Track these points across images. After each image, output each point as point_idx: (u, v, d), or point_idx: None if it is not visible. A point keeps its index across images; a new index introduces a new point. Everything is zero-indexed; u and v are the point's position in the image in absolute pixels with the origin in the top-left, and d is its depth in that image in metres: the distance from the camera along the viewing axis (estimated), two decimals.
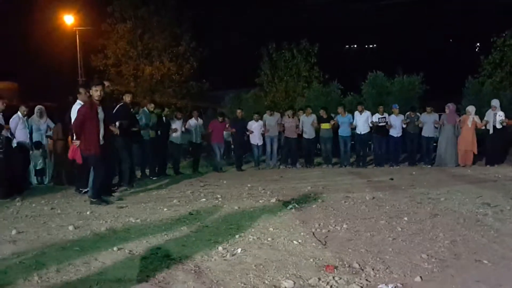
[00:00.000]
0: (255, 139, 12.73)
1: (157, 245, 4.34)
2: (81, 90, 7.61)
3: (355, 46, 47.77)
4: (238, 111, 13.21)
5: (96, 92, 6.66)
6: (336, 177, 10.18)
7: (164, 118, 11.09)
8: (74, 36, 24.66)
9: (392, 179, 9.32)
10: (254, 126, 12.74)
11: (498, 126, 11.50)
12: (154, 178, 10.32)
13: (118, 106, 8.71)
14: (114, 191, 7.94)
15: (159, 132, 10.83)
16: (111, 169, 7.90)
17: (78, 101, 7.62)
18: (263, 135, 12.79)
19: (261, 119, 12.95)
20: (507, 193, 6.96)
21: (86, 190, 7.39)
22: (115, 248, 4.20)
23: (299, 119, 12.95)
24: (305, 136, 12.77)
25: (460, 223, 5.03)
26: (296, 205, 6.21)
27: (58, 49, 24.70)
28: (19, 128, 9.14)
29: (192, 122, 12.16)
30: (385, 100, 17.57)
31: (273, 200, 6.90)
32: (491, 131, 11.64)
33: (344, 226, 5.00)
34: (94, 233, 4.89)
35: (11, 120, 8.93)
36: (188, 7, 24.15)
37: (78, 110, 6.83)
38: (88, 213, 6.09)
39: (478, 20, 29.57)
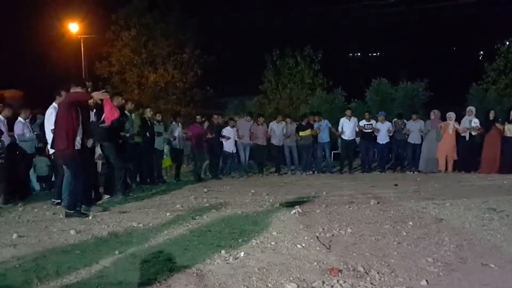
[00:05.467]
0: (230, 146, 12.31)
1: (159, 249, 4.29)
2: (63, 93, 6.95)
3: (359, 54, 47.81)
4: (215, 116, 12.55)
5: None
6: (340, 183, 10.12)
7: (148, 121, 10.41)
8: (78, 44, 24.72)
9: (396, 185, 9.27)
10: (229, 132, 12.27)
11: (473, 133, 11.54)
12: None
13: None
14: (97, 200, 7.31)
15: (147, 134, 10.14)
16: (91, 177, 7.03)
17: (54, 104, 7.16)
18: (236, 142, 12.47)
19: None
20: None
21: (58, 201, 7.06)
22: (116, 252, 4.16)
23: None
24: (274, 143, 12.78)
25: (466, 228, 4.97)
26: (300, 210, 6.15)
27: (63, 57, 24.77)
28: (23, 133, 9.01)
29: (175, 127, 11.54)
30: (389, 106, 17.55)
31: (277, 205, 6.86)
32: (467, 138, 11.64)
33: (348, 230, 4.94)
34: (95, 237, 4.85)
35: (15, 125, 8.83)
36: (192, 14, 24.29)
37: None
38: (90, 218, 6.05)
39: (483, 27, 29.55)
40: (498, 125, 11.11)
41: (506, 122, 11.04)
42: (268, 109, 22.04)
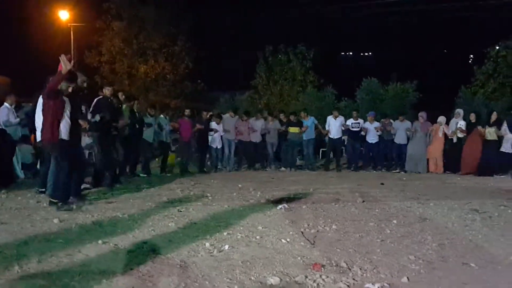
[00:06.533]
0: (215, 142, 12.40)
1: (143, 239, 4.29)
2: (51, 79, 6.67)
3: (351, 53, 47.89)
4: (204, 112, 12.60)
5: (68, 88, 6.19)
6: (327, 180, 10.17)
7: (137, 113, 10.41)
8: (68, 32, 24.45)
9: (382, 184, 9.32)
10: (216, 127, 12.40)
11: (459, 135, 11.70)
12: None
13: (96, 99, 8.11)
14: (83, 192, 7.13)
15: (137, 126, 10.13)
16: (80, 169, 6.87)
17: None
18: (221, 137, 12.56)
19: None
20: (496, 200, 6.98)
21: (42, 189, 7.01)
22: (100, 242, 4.15)
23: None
24: (252, 139, 12.88)
25: (449, 228, 5.02)
26: (286, 206, 6.18)
27: (52, 45, 24.41)
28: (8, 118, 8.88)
29: (163, 120, 11.62)
30: (379, 106, 17.65)
31: (263, 200, 6.89)
32: (454, 140, 11.82)
33: (333, 227, 4.97)
34: (79, 226, 4.82)
35: (0, 110, 8.69)
36: (185, 7, 24.11)
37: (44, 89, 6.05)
38: (74, 207, 6.00)
39: (473, 31, 29.77)
40: (480, 128, 11.24)
41: (486, 126, 11.18)
42: (259, 105, 22.04)
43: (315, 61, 22.90)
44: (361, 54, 46.64)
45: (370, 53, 45.74)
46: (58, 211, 5.71)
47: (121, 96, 9.80)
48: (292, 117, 13.03)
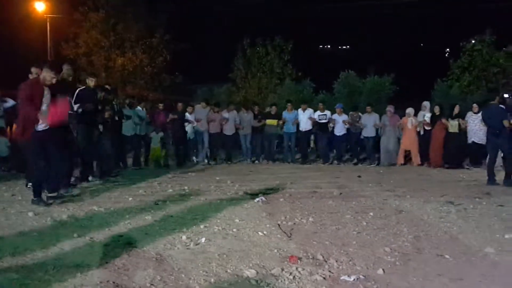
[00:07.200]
0: (188, 133, 12.38)
1: (119, 233, 4.26)
2: (33, 69, 6.58)
3: (329, 46, 48.16)
4: (179, 104, 12.35)
5: (48, 77, 5.75)
6: (305, 173, 10.20)
7: (116, 105, 10.06)
8: (45, 24, 23.93)
9: (360, 176, 9.40)
10: (190, 118, 12.37)
11: (426, 127, 11.79)
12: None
13: (78, 90, 7.76)
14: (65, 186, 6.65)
15: (116, 118, 9.79)
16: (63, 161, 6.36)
17: None
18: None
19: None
20: (470, 193, 7.11)
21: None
22: (75, 235, 4.10)
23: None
24: (225, 132, 12.84)
25: (424, 220, 5.10)
26: (264, 198, 6.20)
27: (27, 36, 23.94)
28: None
29: (140, 111, 11.44)
30: (357, 99, 17.77)
31: (241, 193, 6.89)
32: (421, 132, 11.91)
33: (310, 219, 5.00)
34: (54, 220, 4.76)
35: None
36: None
37: (21, 86, 5.79)
38: (50, 200, 5.90)
39: (449, 25, 30.22)
40: (443, 120, 11.38)
41: (449, 118, 11.34)
42: (237, 97, 21.97)
43: (293, 54, 22.92)
44: (339, 47, 46.96)
45: (348, 46, 46.10)
46: (33, 204, 5.60)
47: (107, 87, 9.61)
48: (273, 109, 13.04)
